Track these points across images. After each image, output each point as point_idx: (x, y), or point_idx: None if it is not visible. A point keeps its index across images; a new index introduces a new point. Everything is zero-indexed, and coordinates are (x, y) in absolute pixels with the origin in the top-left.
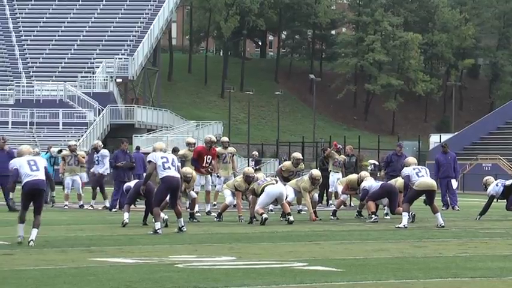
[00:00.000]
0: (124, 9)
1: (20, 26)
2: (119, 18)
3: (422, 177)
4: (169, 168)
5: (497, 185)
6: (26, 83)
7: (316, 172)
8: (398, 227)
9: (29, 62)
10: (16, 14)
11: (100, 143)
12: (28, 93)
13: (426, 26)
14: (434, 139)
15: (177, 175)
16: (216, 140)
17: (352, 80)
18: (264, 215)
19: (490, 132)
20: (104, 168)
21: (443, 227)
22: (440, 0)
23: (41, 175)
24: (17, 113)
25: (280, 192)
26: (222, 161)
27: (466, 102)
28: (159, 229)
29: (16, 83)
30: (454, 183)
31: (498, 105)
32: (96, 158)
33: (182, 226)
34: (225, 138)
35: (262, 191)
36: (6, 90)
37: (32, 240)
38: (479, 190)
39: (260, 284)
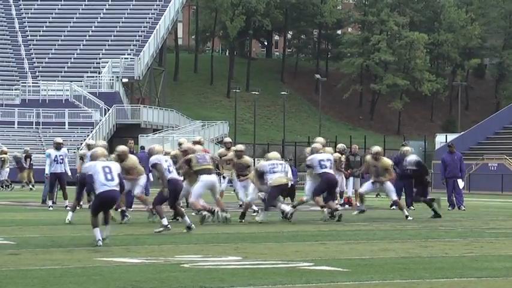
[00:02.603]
0: (130, 9)
1: (26, 26)
2: (125, 18)
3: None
4: (172, 171)
5: None
6: (32, 83)
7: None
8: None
9: (35, 62)
10: (22, 14)
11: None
12: (34, 93)
13: (432, 25)
14: (440, 139)
15: (180, 178)
16: (198, 140)
17: (358, 80)
18: (204, 212)
19: (496, 132)
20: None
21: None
22: (446, 0)
23: (115, 185)
24: (23, 113)
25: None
26: (226, 162)
27: (472, 102)
28: (168, 224)
29: (22, 83)
30: (461, 183)
31: (504, 105)
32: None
33: (190, 224)
34: (228, 139)
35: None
36: (12, 90)
37: (106, 238)
38: (486, 190)
39: (266, 284)
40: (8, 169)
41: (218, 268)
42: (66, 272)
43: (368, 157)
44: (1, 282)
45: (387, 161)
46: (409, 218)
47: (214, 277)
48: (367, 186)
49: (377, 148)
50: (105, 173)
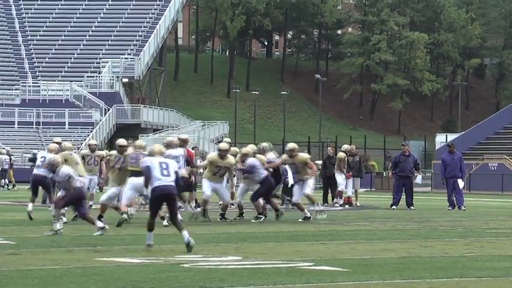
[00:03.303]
0: (130, 9)
1: (26, 26)
2: (125, 18)
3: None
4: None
5: None
6: (32, 82)
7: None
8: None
9: (35, 62)
10: (22, 14)
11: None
12: (34, 93)
13: (432, 25)
14: (441, 139)
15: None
16: (185, 139)
17: (358, 80)
18: (124, 216)
19: (496, 132)
20: None
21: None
22: (447, 0)
23: (171, 180)
24: (23, 112)
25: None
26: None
27: (472, 102)
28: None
29: (22, 82)
30: (461, 183)
31: (504, 105)
32: None
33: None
34: (224, 145)
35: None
36: (13, 90)
37: (190, 242)
38: (486, 190)
39: (266, 284)
40: None
41: (218, 268)
42: (66, 272)
43: (284, 156)
44: (1, 282)
45: (304, 156)
46: (311, 217)
47: (214, 277)
48: (297, 190)
49: (291, 145)
50: (161, 169)
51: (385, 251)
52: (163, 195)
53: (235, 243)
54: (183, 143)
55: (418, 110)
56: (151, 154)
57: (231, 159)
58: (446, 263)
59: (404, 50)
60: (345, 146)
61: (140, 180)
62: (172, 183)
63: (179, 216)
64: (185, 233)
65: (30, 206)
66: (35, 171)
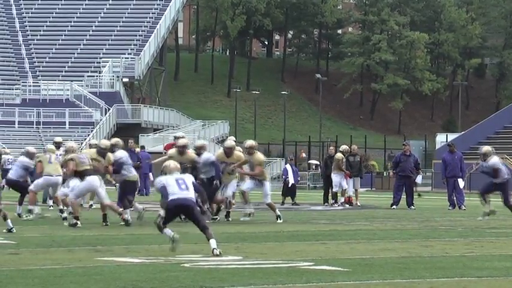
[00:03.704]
0: (130, 9)
1: (26, 26)
2: (125, 17)
3: None
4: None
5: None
6: (33, 82)
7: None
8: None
9: (35, 62)
10: (23, 13)
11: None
12: (34, 92)
13: (433, 25)
14: (441, 138)
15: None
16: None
17: (358, 80)
18: (64, 214)
19: (497, 131)
20: None
21: None
22: None
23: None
24: (24, 112)
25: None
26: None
27: (472, 102)
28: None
29: (22, 82)
30: (461, 183)
31: (504, 105)
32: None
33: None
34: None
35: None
36: (13, 89)
37: (214, 249)
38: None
39: (266, 284)
40: None
41: (218, 268)
42: (66, 271)
43: (219, 151)
44: (1, 281)
45: (260, 157)
46: (279, 221)
47: (214, 277)
48: (247, 183)
49: (250, 142)
50: (179, 184)
51: (385, 250)
52: (178, 207)
53: (236, 243)
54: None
55: (418, 109)
56: (167, 171)
57: (239, 155)
58: (447, 262)
59: (404, 50)
60: (343, 147)
61: (95, 178)
62: (189, 196)
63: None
64: (212, 241)
65: (17, 207)
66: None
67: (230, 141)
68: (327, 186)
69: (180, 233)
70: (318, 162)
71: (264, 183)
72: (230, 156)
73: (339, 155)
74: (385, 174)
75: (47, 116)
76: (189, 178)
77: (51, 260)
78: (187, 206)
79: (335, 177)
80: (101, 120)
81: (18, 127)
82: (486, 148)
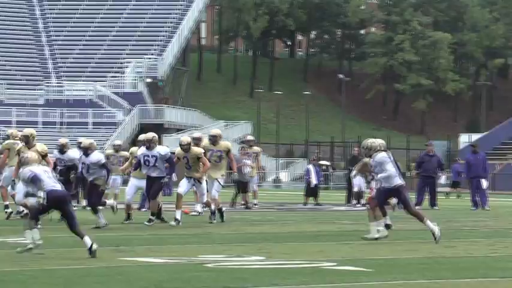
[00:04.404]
0: (153, 9)
1: (50, 26)
2: (148, 18)
3: None
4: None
5: None
6: (56, 83)
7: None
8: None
9: (58, 62)
10: (46, 14)
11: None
12: (58, 93)
13: (456, 25)
14: (464, 139)
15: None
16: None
17: (381, 80)
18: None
19: None
20: None
21: None
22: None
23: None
24: (47, 113)
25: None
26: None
27: (496, 102)
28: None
29: (46, 83)
30: (484, 183)
31: None
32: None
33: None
34: (250, 137)
35: None
36: (36, 90)
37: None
38: (509, 190)
39: (289, 284)
40: None
41: (241, 268)
42: (89, 271)
43: (178, 149)
44: (25, 282)
45: (198, 150)
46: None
47: (237, 277)
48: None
49: (215, 131)
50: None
51: (408, 251)
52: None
53: (258, 243)
54: (197, 141)
55: (441, 110)
56: (27, 163)
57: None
58: (470, 263)
59: (427, 50)
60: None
61: None
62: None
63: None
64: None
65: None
66: None
67: (249, 136)
68: (350, 186)
69: (204, 233)
70: (328, 163)
71: (202, 184)
72: (216, 144)
73: (367, 160)
74: (408, 175)
75: (70, 117)
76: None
77: (74, 259)
78: (64, 199)
79: (357, 178)
80: (123, 120)
81: (42, 127)
82: None
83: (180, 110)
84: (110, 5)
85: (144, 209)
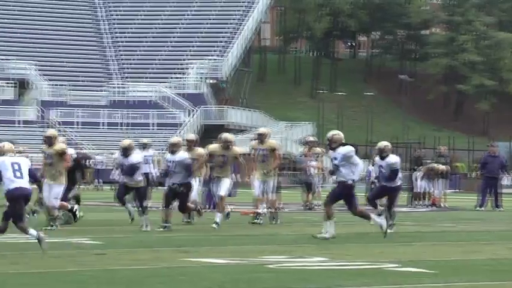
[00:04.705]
0: (216, 11)
1: (115, 28)
2: (211, 19)
3: None
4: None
5: None
6: (120, 84)
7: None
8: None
9: (123, 64)
10: (112, 15)
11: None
12: (121, 94)
13: None
14: None
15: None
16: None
17: (443, 81)
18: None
19: None
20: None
21: None
22: None
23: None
24: (110, 114)
25: None
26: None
27: None
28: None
29: (109, 84)
30: None
31: None
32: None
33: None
34: (311, 138)
35: None
36: (99, 91)
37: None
38: None
39: (352, 286)
40: None
41: (303, 269)
42: (152, 272)
43: (254, 142)
44: (86, 282)
45: (239, 149)
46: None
47: (299, 278)
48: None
49: (262, 129)
50: (14, 170)
51: (471, 252)
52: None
53: (320, 244)
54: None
55: (505, 110)
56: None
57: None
58: None
59: (491, 51)
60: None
61: None
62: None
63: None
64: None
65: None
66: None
67: (310, 137)
68: (412, 187)
69: (268, 234)
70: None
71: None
72: (263, 143)
73: (442, 167)
74: (472, 176)
75: (133, 118)
76: (24, 162)
77: (136, 260)
78: (25, 197)
79: (421, 180)
80: (186, 121)
81: (105, 128)
82: None
83: (242, 110)
84: (172, 7)
85: (209, 210)
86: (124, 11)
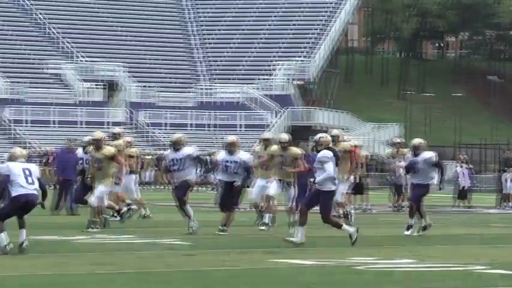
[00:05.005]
0: (302, 12)
1: (203, 29)
2: (297, 20)
3: None
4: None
5: None
6: (208, 85)
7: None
8: None
9: (210, 65)
10: (200, 17)
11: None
12: (209, 95)
13: None
14: None
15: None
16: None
17: None
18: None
19: None
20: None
21: None
22: None
23: (34, 188)
24: (197, 115)
25: None
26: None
27: None
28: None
29: (197, 85)
30: None
31: None
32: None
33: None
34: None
35: None
36: (187, 93)
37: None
38: None
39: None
40: None
41: (392, 271)
42: (240, 272)
43: (274, 147)
44: (174, 282)
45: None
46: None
47: (388, 280)
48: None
49: (284, 136)
50: (25, 176)
51: None
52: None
53: (409, 246)
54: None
55: None
56: (12, 159)
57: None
58: None
59: None
60: None
61: None
62: (35, 192)
63: None
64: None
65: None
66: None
67: (397, 139)
68: (501, 188)
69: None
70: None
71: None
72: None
73: None
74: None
75: (220, 119)
76: (34, 169)
77: (225, 261)
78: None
79: (510, 181)
80: (273, 122)
81: (193, 130)
82: None
83: (329, 112)
84: (260, 8)
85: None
86: (212, 12)
